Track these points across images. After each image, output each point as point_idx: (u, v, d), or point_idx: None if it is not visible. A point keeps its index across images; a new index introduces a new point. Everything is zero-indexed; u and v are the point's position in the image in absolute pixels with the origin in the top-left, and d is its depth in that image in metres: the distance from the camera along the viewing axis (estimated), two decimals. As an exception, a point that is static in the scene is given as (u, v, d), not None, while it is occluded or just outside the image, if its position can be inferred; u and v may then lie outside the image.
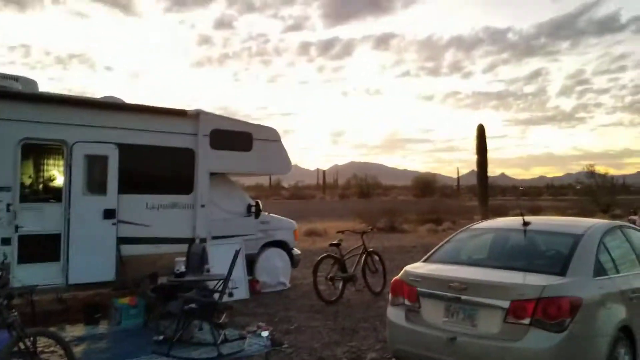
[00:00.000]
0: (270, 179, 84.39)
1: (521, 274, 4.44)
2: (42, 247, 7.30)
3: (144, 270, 7.72)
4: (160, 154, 8.38)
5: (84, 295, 8.29)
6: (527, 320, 3.98)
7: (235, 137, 9.16)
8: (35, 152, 8.36)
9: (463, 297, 4.33)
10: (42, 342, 5.38)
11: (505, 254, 5.18)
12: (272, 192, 75.03)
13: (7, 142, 7.09)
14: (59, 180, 8.02)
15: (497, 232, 5.61)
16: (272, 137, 9.75)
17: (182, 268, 7.07)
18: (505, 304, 4.09)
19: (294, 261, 10.35)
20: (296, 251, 10.52)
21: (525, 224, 5.15)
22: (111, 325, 7.07)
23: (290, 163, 10.15)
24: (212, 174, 8.87)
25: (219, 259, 8.04)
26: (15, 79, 7.90)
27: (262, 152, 9.49)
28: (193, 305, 5.85)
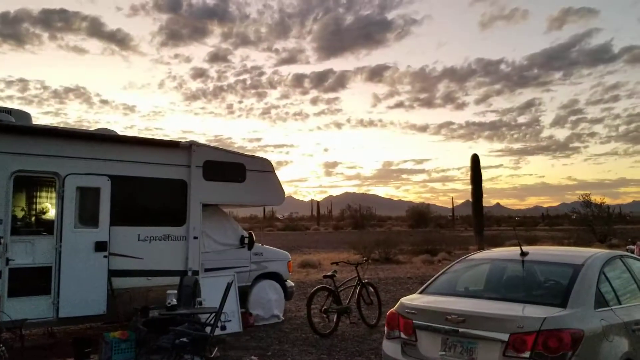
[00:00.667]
0: (264, 210, 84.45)
1: (520, 305, 4.35)
2: (32, 281, 7.19)
3: (135, 304, 7.59)
4: (152, 186, 8.34)
5: (74, 329, 8.10)
6: (527, 354, 3.89)
7: (228, 168, 9.13)
8: (28, 184, 8.28)
9: (461, 329, 4.24)
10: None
11: (503, 285, 5.09)
12: (266, 224, 74.78)
13: (0, 174, 7.03)
14: (51, 213, 7.94)
15: (495, 263, 5.52)
16: (265, 168, 9.72)
17: (174, 301, 6.94)
18: (505, 336, 3.99)
19: (287, 293, 10.18)
20: (290, 283, 10.38)
21: (523, 254, 5.10)
22: (101, 360, 6.89)
23: (284, 194, 10.10)
24: (204, 206, 8.81)
25: (211, 292, 7.92)
26: (8, 111, 7.90)
27: (255, 183, 9.45)
28: (184, 339, 5.72)
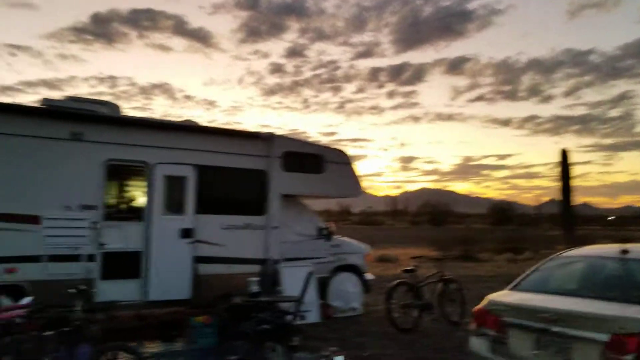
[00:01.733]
0: (339, 203, 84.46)
1: (620, 305, 4.03)
2: (123, 264, 7.53)
3: (217, 290, 7.77)
4: (234, 176, 8.51)
5: (160, 312, 8.41)
6: (630, 357, 3.59)
7: (306, 159, 9.16)
8: (119, 172, 8.69)
9: (555, 328, 4.00)
10: (121, 357, 5.45)
11: (601, 284, 4.75)
12: (341, 217, 74.94)
13: (93, 162, 7.42)
14: (140, 200, 8.29)
15: (591, 261, 5.16)
16: (343, 159, 9.67)
17: (256, 288, 7.04)
18: (604, 337, 3.72)
19: (366, 286, 10.10)
20: (369, 276, 10.26)
21: (624, 251, 4.73)
22: (187, 344, 7.10)
23: (361, 186, 9.99)
24: (283, 196, 8.88)
25: (290, 281, 7.99)
26: (102, 103, 8.30)
27: (333, 174, 9.42)
28: (267, 326, 5.77)
